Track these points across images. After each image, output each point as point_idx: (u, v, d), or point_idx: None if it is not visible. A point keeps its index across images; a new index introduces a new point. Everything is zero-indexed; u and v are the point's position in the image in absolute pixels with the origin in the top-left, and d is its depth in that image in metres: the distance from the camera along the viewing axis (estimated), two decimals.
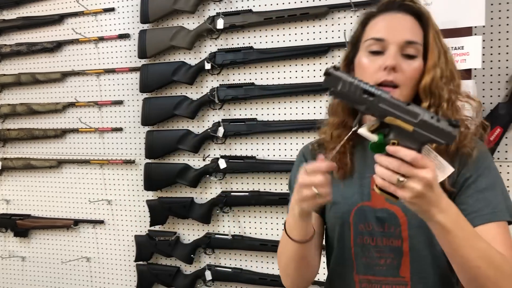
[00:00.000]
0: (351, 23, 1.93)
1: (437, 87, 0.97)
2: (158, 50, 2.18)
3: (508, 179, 1.75)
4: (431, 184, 0.80)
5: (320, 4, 1.96)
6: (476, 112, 1.04)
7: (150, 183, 2.23)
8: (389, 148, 0.80)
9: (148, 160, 2.25)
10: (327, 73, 0.84)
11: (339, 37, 1.95)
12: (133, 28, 2.28)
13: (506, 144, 1.76)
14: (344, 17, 1.94)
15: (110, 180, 2.39)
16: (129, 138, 2.34)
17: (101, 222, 2.41)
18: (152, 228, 2.28)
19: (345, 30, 1.92)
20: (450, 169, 0.92)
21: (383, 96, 0.82)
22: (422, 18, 1.01)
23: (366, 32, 1.03)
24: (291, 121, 2.04)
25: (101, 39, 2.33)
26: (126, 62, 2.31)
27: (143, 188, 2.25)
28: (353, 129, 0.88)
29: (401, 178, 0.78)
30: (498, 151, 1.75)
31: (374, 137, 0.84)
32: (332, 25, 1.97)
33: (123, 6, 2.29)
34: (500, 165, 1.75)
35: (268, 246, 2.08)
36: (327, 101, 1.97)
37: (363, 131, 0.86)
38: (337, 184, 1.08)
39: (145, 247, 2.27)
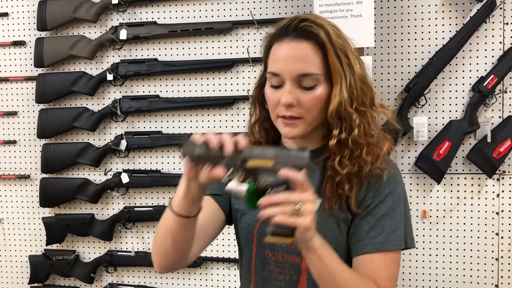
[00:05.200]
0: (254, 40, 1.98)
1: (346, 111, 0.94)
2: (57, 59, 2.08)
3: None
4: (315, 204, 0.80)
5: (225, 20, 2.00)
6: (391, 120, 1.06)
7: (47, 199, 2.10)
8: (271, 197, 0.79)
9: (44, 175, 2.12)
10: (182, 144, 0.84)
11: (243, 52, 1.98)
12: (30, 35, 2.15)
13: (395, 157, 1.90)
14: (248, 34, 1.99)
15: (1, 196, 2.21)
16: (23, 152, 2.19)
17: None
18: (49, 247, 2.15)
19: (248, 47, 1.97)
20: (318, 202, 0.90)
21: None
22: (319, 41, 0.95)
23: (269, 61, 1.00)
24: None
25: None
26: (21, 70, 2.17)
27: (38, 204, 2.12)
28: (222, 182, 0.84)
29: (297, 206, 0.77)
30: None
31: (243, 187, 0.82)
32: (237, 41, 2.00)
33: (17, 12, 2.15)
34: None
35: None
36: (232, 115, 2.02)
37: (232, 186, 0.83)
38: None
39: (41, 267, 2.14)
